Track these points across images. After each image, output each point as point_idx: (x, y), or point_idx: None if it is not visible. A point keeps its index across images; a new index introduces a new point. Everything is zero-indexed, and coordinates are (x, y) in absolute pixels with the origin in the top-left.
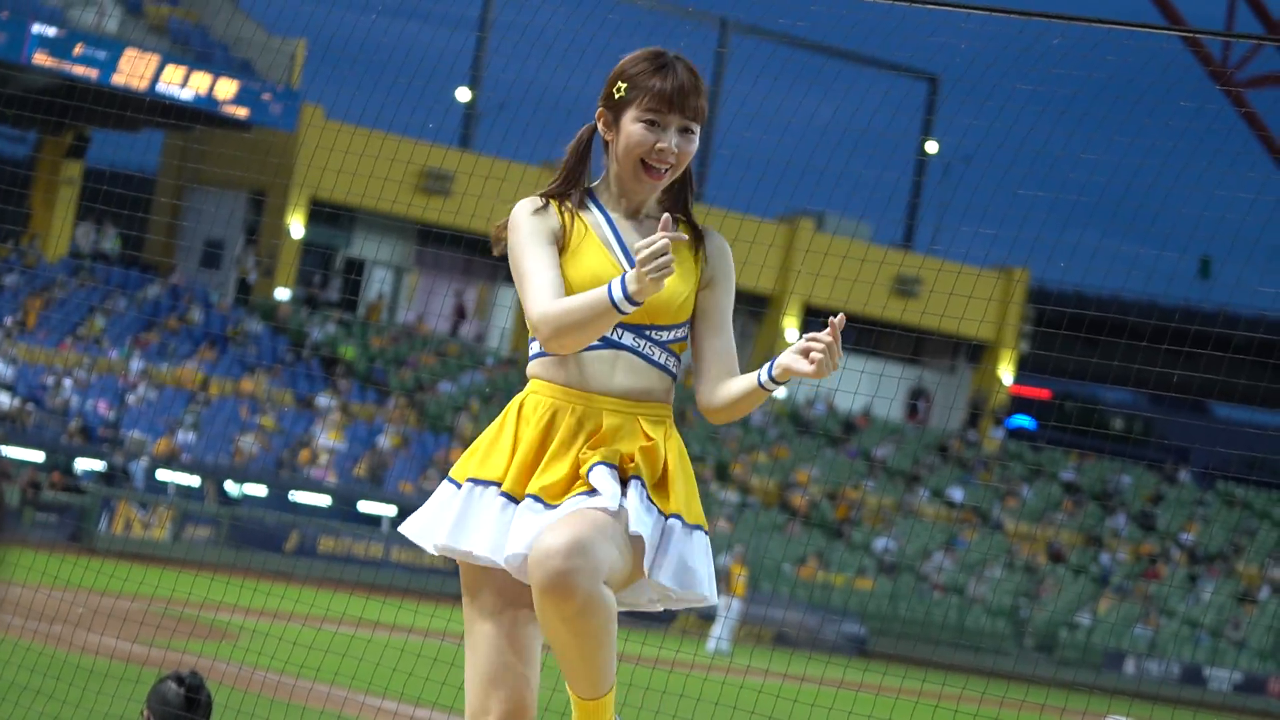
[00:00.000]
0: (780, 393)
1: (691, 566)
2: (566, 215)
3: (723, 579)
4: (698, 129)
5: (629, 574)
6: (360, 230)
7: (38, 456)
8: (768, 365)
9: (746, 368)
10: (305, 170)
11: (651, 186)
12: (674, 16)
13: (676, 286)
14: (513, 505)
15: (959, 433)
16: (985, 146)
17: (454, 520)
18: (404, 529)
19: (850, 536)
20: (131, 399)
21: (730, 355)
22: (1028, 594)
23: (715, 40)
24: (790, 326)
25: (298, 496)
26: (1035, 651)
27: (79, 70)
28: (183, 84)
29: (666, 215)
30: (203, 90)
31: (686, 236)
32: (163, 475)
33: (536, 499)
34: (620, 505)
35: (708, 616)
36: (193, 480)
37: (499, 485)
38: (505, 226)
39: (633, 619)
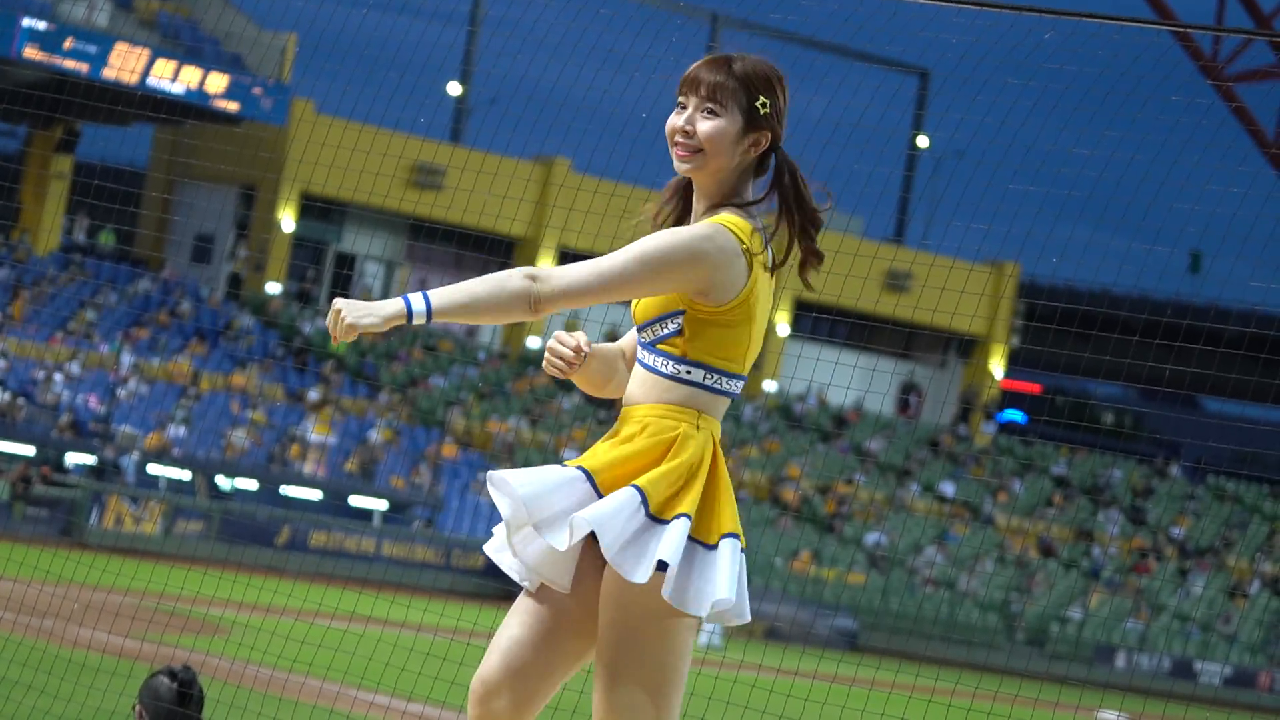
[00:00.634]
0: (771, 386)
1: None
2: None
3: None
4: (727, 111)
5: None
6: (351, 225)
7: (28, 451)
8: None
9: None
10: (296, 165)
11: (684, 170)
12: (665, 10)
13: None
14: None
15: (950, 427)
16: (976, 141)
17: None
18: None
19: (842, 531)
20: (122, 393)
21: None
22: (1019, 588)
23: (706, 35)
24: (781, 321)
25: (289, 491)
26: (1026, 646)
27: (69, 64)
28: (173, 78)
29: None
30: (193, 84)
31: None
32: (154, 470)
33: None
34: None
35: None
36: (184, 475)
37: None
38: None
39: None
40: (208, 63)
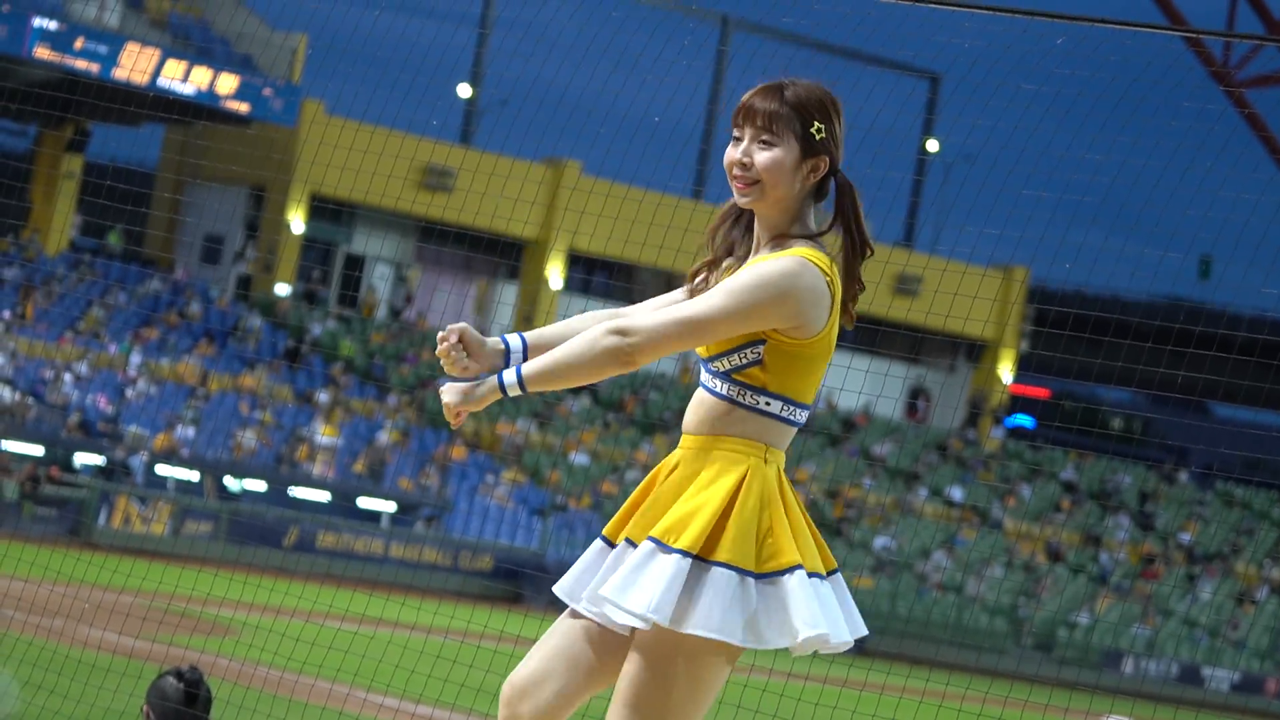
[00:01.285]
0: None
1: (625, 582)
2: None
3: None
4: (782, 140)
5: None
6: (361, 226)
7: (37, 450)
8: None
9: None
10: (307, 166)
11: (744, 203)
12: (676, 14)
13: None
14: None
15: (959, 432)
16: (988, 146)
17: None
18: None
19: (850, 535)
20: (131, 393)
21: (662, 305)
22: (1026, 593)
23: (717, 38)
24: None
25: (297, 492)
26: (1034, 651)
27: (80, 64)
28: (184, 79)
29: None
30: (204, 85)
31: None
32: (162, 470)
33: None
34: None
35: None
36: (192, 475)
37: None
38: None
39: None
40: (218, 63)
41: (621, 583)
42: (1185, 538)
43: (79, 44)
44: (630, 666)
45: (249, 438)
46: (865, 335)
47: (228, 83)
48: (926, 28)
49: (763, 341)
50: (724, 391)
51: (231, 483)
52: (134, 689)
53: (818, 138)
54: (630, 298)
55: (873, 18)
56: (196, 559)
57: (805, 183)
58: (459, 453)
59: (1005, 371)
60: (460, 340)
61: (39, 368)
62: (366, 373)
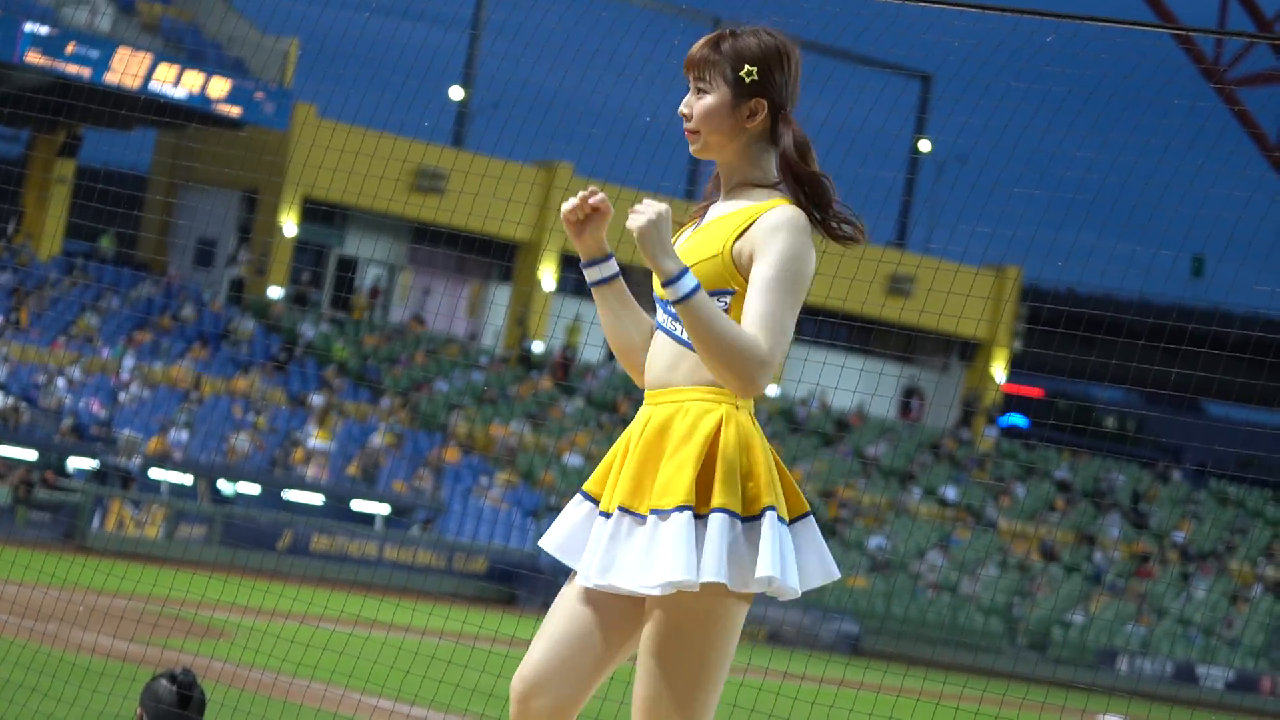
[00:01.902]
0: (773, 390)
1: (641, 564)
2: None
3: None
4: (714, 86)
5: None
6: (354, 229)
7: (30, 455)
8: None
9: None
10: (299, 169)
11: (693, 151)
12: (667, 15)
13: (685, 257)
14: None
15: (952, 431)
16: (979, 145)
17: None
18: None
19: (844, 535)
20: (124, 398)
21: (750, 321)
22: (1021, 592)
23: None
24: None
25: (291, 495)
26: (1028, 650)
27: (72, 69)
28: (175, 83)
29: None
30: (195, 89)
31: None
32: (156, 474)
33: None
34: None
35: None
36: (186, 479)
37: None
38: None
39: None
40: (210, 67)
41: (637, 565)
42: (1179, 536)
43: (71, 49)
44: (653, 629)
45: (243, 441)
46: (859, 335)
47: (219, 87)
48: (917, 27)
49: (731, 292)
50: (683, 335)
51: (225, 486)
52: (128, 692)
53: (747, 81)
54: None
55: (862, 17)
56: (190, 562)
57: (745, 128)
58: (452, 455)
59: (999, 371)
60: (596, 211)
61: (32, 372)
62: (360, 375)
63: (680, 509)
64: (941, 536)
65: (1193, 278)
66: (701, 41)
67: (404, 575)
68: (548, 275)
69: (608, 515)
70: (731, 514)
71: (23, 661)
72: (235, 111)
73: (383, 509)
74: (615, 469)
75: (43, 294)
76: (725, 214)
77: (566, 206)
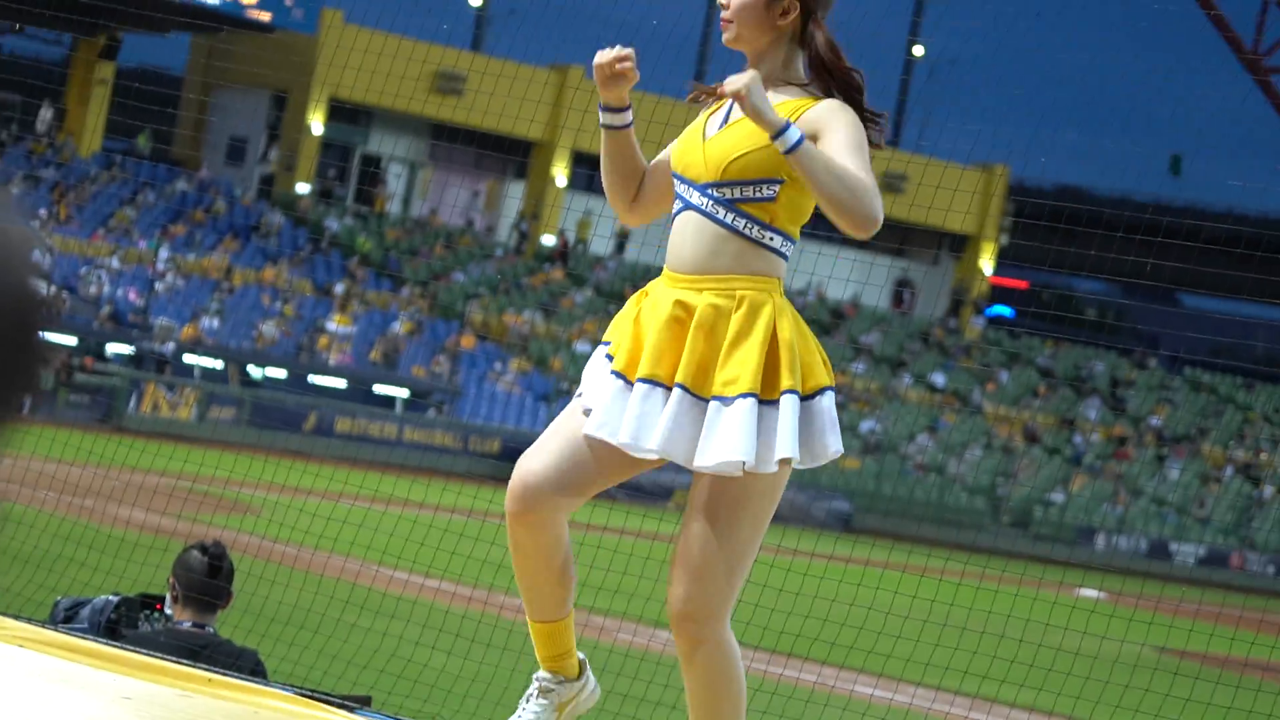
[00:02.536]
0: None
1: (714, 438)
2: None
3: None
4: None
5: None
6: (377, 128)
7: (71, 341)
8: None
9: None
10: (325, 70)
11: (726, 41)
12: None
13: (739, 143)
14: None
15: (942, 321)
16: (968, 47)
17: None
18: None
19: (839, 419)
20: (160, 287)
21: (851, 167)
22: (1004, 473)
23: None
24: None
25: (316, 379)
26: (1011, 528)
27: None
28: None
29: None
30: None
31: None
32: (189, 359)
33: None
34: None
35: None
36: (217, 364)
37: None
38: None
39: (632, 496)
40: None
41: (704, 443)
42: (1155, 421)
43: None
44: (714, 497)
45: (270, 328)
46: None
47: None
48: None
49: (781, 180)
50: (730, 222)
51: (254, 370)
52: (160, 561)
53: None
54: None
55: None
56: (221, 442)
57: (778, 26)
58: (469, 342)
59: (986, 264)
60: (623, 75)
61: (73, 263)
62: (381, 266)
63: (745, 395)
64: (930, 420)
65: (1171, 175)
66: None
67: (422, 455)
68: (560, 172)
69: (654, 385)
70: (797, 395)
71: (62, 533)
72: (266, 16)
73: (402, 393)
74: (655, 344)
75: (83, 189)
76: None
77: (602, 58)
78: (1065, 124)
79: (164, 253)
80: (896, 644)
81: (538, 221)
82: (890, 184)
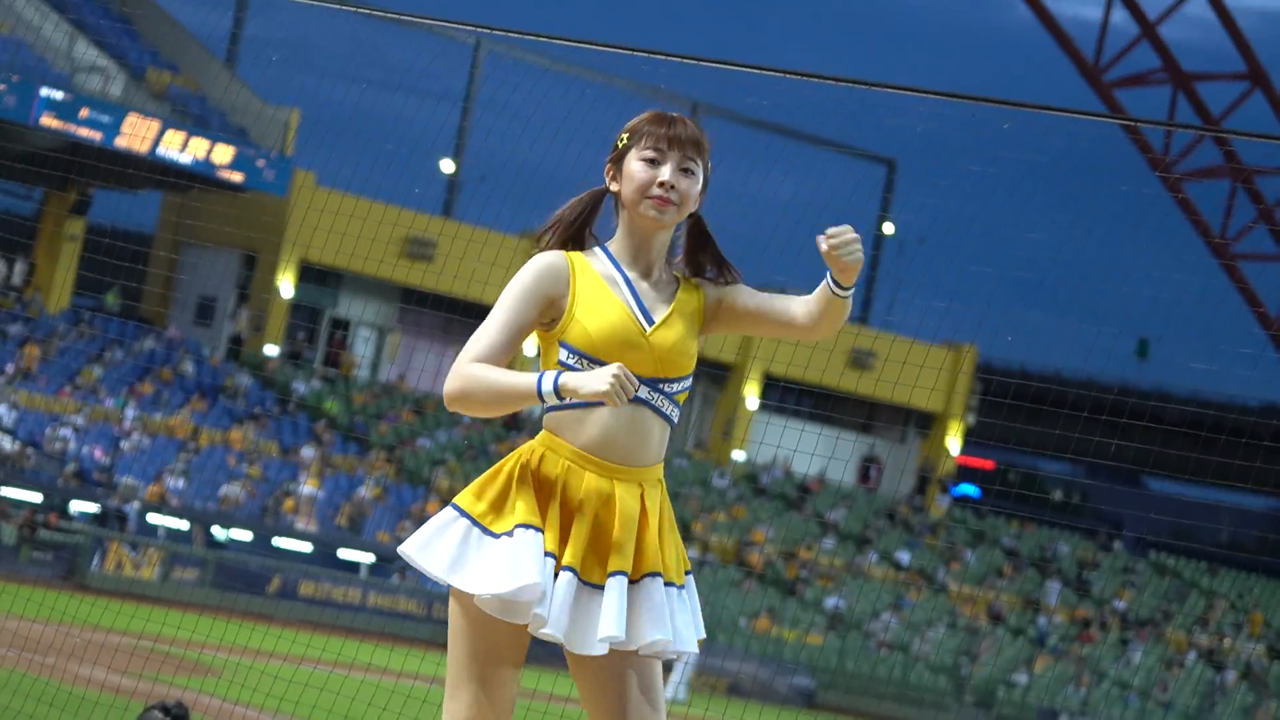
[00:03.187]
0: (739, 455)
1: (680, 624)
2: (577, 265)
3: None
4: (699, 170)
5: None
6: (347, 291)
7: (35, 497)
8: (827, 277)
9: (706, 432)
10: (296, 232)
11: (659, 227)
12: (645, 94)
13: (684, 339)
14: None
15: (907, 498)
16: (937, 224)
17: (508, 569)
18: (444, 572)
19: (802, 594)
20: (125, 445)
21: (779, 297)
22: (968, 653)
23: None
24: (751, 394)
25: (281, 542)
26: (974, 708)
27: (84, 132)
28: (182, 148)
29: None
30: (200, 154)
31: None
32: (153, 518)
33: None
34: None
35: (666, 665)
36: (182, 524)
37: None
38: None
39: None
40: (215, 134)
41: (686, 628)
42: (1119, 604)
43: (84, 113)
44: (651, 675)
45: (236, 489)
46: (821, 404)
47: (223, 153)
48: (882, 110)
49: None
50: (668, 413)
51: (219, 532)
52: None
53: (709, 174)
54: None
55: (832, 100)
56: (184, 603)
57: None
58: (434, 508)
59: (952, 442)
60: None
61: (39, 419)
62: (349, 430)
63: (688, 574)
64: (895, 598)
65: (1138, 357)
66: (679, 120)
67: (386, 620)
68: (530, 339)
69: (654, 581)
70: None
71: (23, 690)
72: (238, 177)
73: (367, 557)
74: (616, 540)
75: (51, 344)
76: (679, 297)
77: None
78: (1033, 304)
79: (130, 411)
80: None
81: None
82: (858, 360)
